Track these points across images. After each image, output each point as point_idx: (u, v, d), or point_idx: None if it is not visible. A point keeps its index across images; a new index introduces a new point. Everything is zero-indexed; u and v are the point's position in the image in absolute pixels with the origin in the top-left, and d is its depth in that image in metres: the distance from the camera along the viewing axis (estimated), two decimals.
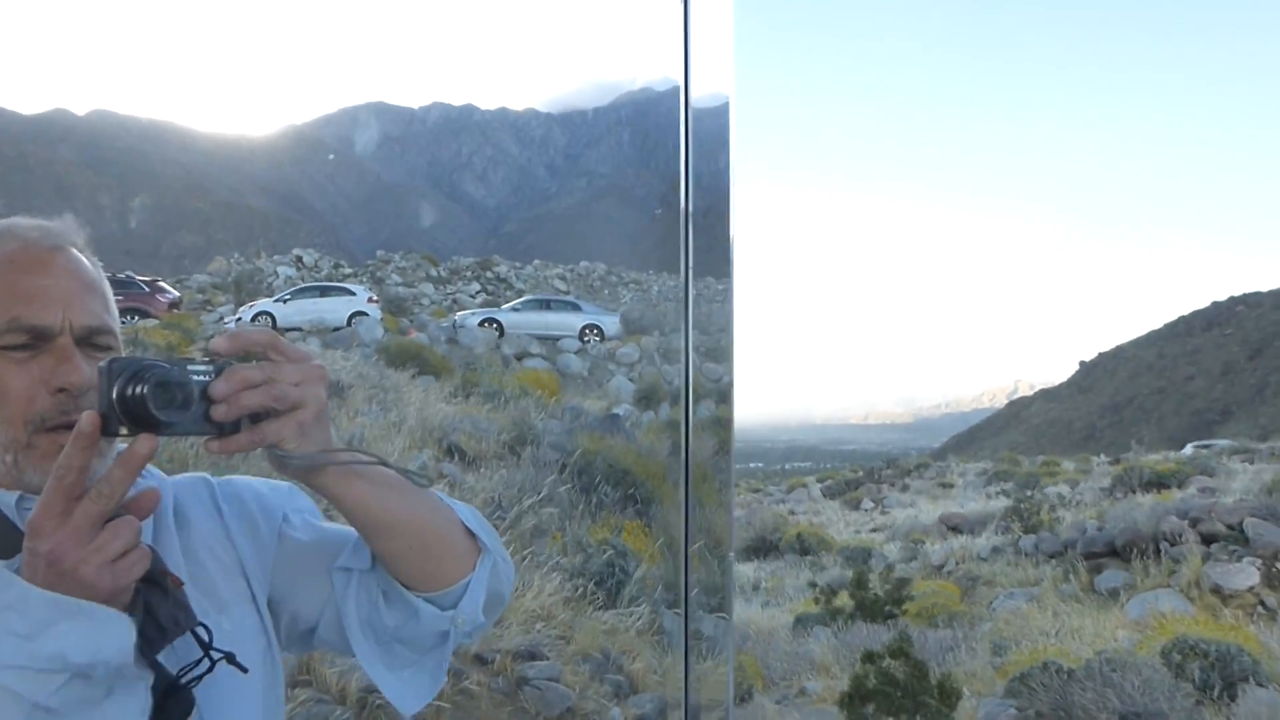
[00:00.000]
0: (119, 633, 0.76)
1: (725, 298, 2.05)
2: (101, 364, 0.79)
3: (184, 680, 0.86)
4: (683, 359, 1.95)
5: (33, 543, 0.75)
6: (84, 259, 0.96)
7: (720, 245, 1.97)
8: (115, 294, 0.99)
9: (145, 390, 0.77)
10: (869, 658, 5.84)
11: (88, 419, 0.76)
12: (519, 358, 12.00)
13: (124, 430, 0.78)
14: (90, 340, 0.91)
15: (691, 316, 1.91)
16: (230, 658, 0.88)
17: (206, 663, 0.87)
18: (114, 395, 0.78)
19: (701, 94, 1.86)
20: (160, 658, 0.82)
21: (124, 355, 0.87)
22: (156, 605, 0.82)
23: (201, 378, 0.81)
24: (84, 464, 0.75)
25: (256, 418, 0.83)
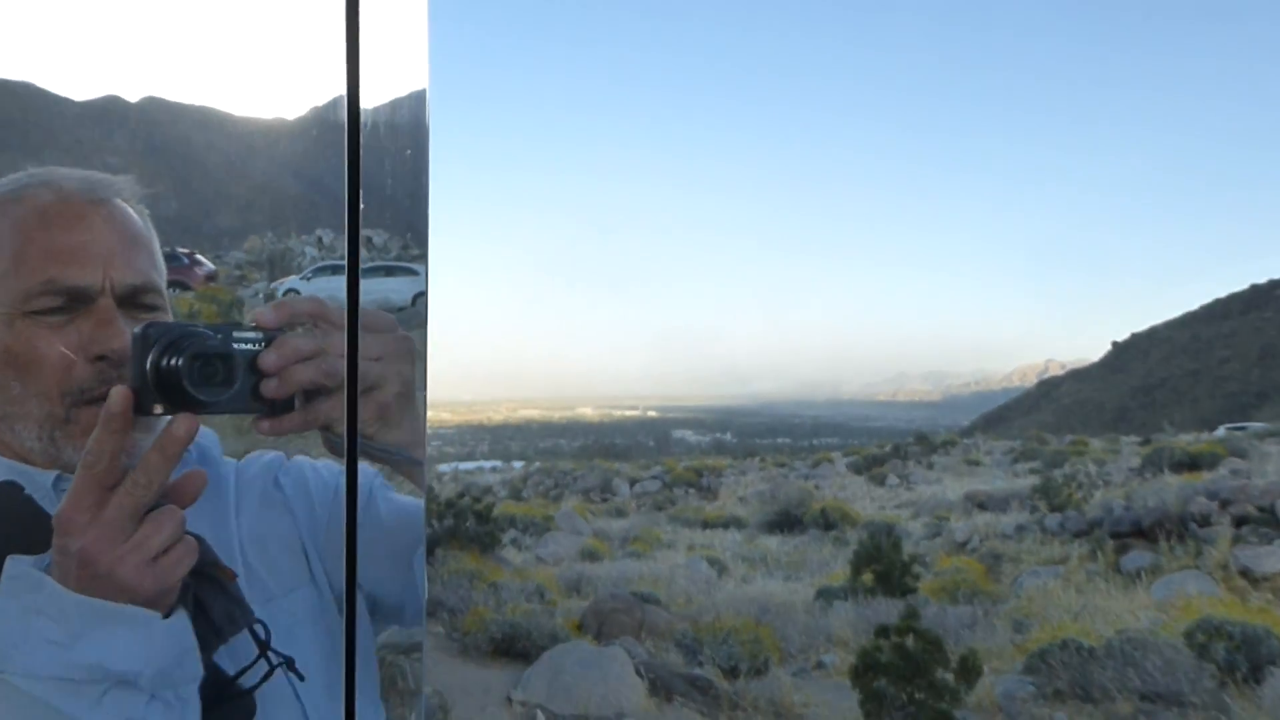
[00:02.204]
0: (166, 638, 0.67)
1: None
2: (136, 330, 0.69)
3: (241, 684, 0.77)
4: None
5: (62, 540, 0.65)
6: (130, 211, 0.85)
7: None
8: None
9: (180, 363, 0.66)
10: (882, 631, 5.93)
11: (117, 396, 0.65)
12: None
13: (159, 409, 0.67)
14: (135, 300, 0.81)
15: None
16: (290, 663, 0.80)
17: (264, 665, 0.78)
18: (148, 367, 0.67)
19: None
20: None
21: (164, 321, 0.76)
22: (209, 602, 0.73)
23: (248, 347, 0.70)
24: (116, 448, 0.65)
25: (311, 395, 0.73)
